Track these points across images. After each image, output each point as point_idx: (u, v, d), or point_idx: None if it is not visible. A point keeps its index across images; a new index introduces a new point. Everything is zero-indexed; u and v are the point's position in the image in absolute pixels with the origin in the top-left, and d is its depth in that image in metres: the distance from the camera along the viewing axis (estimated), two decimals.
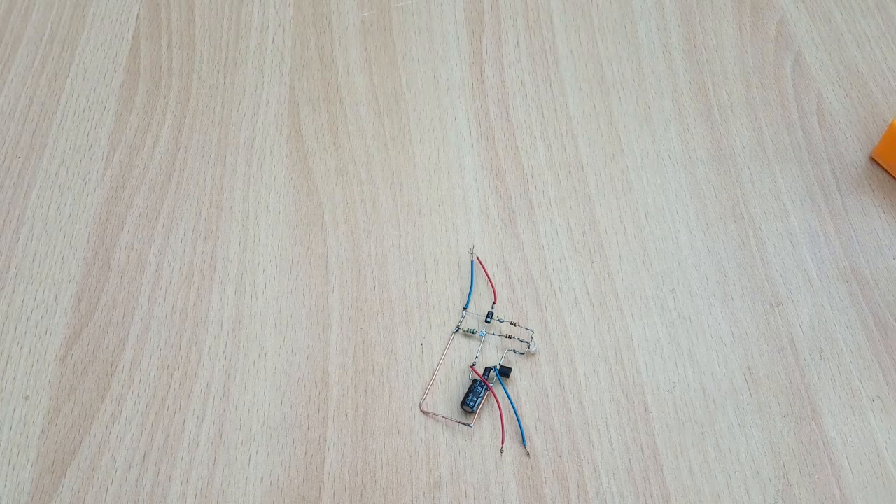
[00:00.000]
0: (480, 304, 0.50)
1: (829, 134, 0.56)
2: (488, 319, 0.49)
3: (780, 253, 0.51)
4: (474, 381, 0.46)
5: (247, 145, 0.57)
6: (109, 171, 0.56)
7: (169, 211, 0.54)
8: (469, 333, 0.48)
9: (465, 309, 0.49)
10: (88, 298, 0.50)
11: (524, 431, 0.45)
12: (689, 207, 0.53)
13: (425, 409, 0.46)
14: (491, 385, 0.46)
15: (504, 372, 0.46)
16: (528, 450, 0.44)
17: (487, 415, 0.46)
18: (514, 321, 0.49)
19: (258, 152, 0.57)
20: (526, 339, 0.48)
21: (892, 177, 0.54)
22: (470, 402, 0.45)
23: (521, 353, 0.48)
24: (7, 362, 0.48)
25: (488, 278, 0.50)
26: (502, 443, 0.45)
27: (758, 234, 0.52)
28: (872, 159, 0.55)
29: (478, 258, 0.51)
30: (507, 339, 0.48)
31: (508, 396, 0.46)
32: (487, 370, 0.47)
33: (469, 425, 0.45)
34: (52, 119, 0.58)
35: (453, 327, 0.49)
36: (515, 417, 0.45)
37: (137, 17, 0.64)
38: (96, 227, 0.53)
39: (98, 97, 0.60)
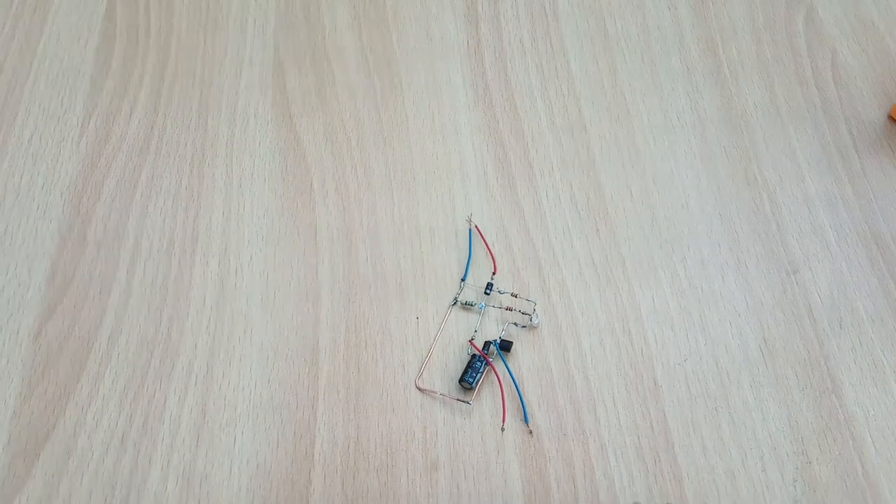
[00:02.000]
0: (479, 276, 0.48)
1: (844, 92, 0.55)
2: (488, 291, 0.48)
3: (796, 217, 0.50)
4: (473, 355, 0.45)
5: (229, 109, 0.55)
6: (85, 138, 0.54)
7: (148, 179, 0.52)
8: (467, 306, 0.47)
9: (463, 280, 0.48)
10: (63, 272, 0.48)
11: (526, 408, 0.44)
12: (699, 171, 0.52)
13: (421, 386, 0.45)
14: (491, 360, 0.45)
15: (505, 346, 0.45)
16: (531, 428, 0.43)
17: (487, 391, 0.45)
18: (515, 293, 0.48)
19: (241, 117, 0.55)
20: (528, 312, 0.47)
21: None
22: (469, 378, 0.44)
23: (523, 326, 0.46)
24: None
25: (487, 248, 0.49)
26: (503, 421, 0.43)
27: (772, 198, 0.51)
28: (891, 118, 0.54)
29: (476, 227, 0.50)
30: (508, 311, 0.47)
31: (510, 372, 0.45)
32: (487, 344, 0.45)
33: (468, 402, 0.44)
34: (23, 85, 0.56)
35: (451, 300, 0.48)
36: (517, 394, 0.44)
37: None
38: (71, 198, 0.51)
39: (72, 61, 0.58)
